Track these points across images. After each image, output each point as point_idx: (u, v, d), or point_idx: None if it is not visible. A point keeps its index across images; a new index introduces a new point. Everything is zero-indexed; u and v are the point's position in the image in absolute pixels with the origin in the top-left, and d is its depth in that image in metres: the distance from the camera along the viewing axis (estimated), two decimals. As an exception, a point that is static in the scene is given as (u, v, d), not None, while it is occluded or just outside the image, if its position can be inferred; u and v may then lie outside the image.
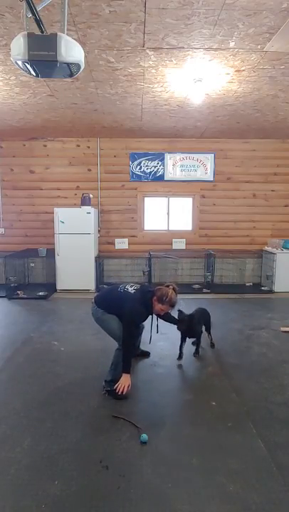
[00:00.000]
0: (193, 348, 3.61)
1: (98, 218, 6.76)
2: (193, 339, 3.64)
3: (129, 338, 2.71)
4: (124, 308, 2.76)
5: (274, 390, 2.94)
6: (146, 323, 3.14)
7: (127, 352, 2.70)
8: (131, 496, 1.85)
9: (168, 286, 2.85)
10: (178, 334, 3.44)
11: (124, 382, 2.67)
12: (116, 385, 2.69)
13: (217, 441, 2.29)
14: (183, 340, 3.48)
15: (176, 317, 3.33)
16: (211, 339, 3.82)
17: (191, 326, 3.37)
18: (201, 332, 3.61)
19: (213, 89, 4.02)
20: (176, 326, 3.34)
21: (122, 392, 2.66)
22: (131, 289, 2.90)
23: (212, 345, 3.79)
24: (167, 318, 3.27)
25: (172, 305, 2.83)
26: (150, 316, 2.95)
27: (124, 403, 2.71)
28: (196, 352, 3.54)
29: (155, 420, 2.52)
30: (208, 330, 3.77)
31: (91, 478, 1.96)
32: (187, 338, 3.52)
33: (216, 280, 6.70)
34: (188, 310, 3.51)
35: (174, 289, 2.83)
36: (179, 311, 3.36)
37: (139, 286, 2.99)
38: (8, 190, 6.74)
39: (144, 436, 2.27)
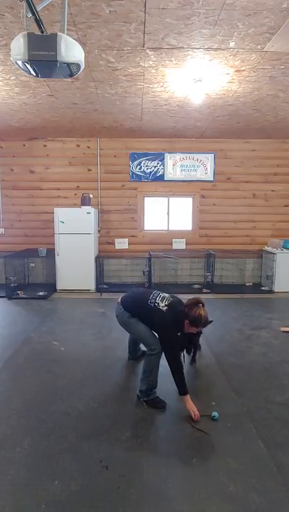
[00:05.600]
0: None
1: (98, 218, 6.76)
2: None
3: (174, 360, 2.59)
4: (155, 326, 2.70)
5: (274, 390, 2.94)
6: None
7: (177, 373, 2.57)
8: (131, 495, 1.85)
9: (197, 303, 2.65)
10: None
11: (193, 407, 2.52)
12: (193, 414, 2.50)
13: (217, 441, 2.29)
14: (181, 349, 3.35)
15: None
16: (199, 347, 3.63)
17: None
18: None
19: (213, 89, 4.02)
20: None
21: (198, 418, 2.49)
22: (162, 305, 2.72)
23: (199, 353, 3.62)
24: None
25: (206, 325, 2.73)
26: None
27: (124, 404, 2.71)
28: (193, 360, 3.39)
29: (155, 420, 2.53)
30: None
31: (91, 478, 1.96)
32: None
33: (216, 280, 6.70)
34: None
35: (203, 305, 2.67)
36: None
37: (169, 301, 2.78)
38: (8, 190, 6.74)
39: (216, 414, 2.53)
